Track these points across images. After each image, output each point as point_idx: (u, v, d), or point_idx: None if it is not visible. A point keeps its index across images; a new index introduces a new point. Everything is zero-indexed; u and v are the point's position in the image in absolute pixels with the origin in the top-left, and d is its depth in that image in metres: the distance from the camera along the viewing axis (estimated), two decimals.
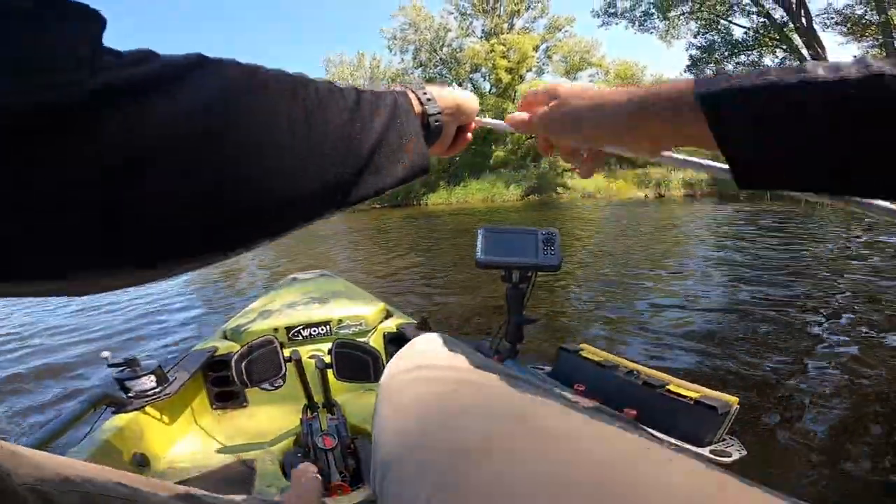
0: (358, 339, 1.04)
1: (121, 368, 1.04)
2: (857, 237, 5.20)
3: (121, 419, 0.97)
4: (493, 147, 24.90)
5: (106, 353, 1.05)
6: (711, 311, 2.85)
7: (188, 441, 1.14)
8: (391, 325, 1.50)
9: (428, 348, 0.44)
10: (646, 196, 15.18)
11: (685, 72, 17.78)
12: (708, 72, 17.08)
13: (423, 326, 1.40)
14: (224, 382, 1.33)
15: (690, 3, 16.20)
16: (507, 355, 1.00)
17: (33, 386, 2.83)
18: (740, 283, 3.47)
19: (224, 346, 1.37)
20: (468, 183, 21.97)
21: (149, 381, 1.05)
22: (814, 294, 3.06)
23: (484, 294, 3.30)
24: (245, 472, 0.96)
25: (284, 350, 1.03)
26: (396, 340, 1.43)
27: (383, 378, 0.43)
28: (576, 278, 3.95)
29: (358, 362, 1.00)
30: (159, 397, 1.05)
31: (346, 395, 1.27)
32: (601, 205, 13.53)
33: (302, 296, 1.70)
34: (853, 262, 4.04)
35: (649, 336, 2.49)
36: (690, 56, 17.24)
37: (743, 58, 16.32)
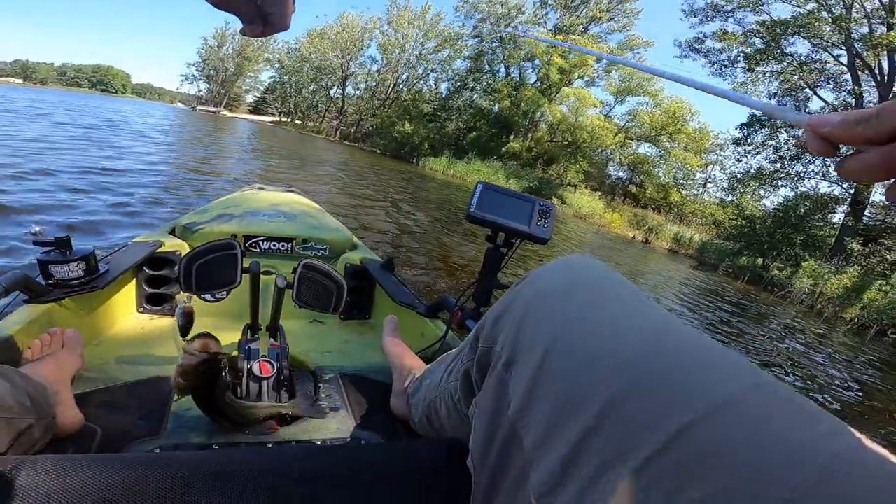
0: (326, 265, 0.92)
1: (48, 249, 0.90)
2: (803, 341, 5.30)
3: (30, 310, 0.84)
4: (511, 137, 24.43)
5: (36, 228, 0.89)
6: None
7: (103, 345, 1.00)
8: (356, 256, 1.41)
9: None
10: (633, 237, 15.41)
11: (736, 129, 16.25)
12: (759, 138, 15.39)
13: (389, 266, 1.35)
14: (159, 283, 1.18)
15: (784, 64, 14.63)
16: (469, 315, 0.99)
17: None
18: None
19: (170, 244, 1.22)
20: (472, 161, 21.67)
21: (76, 269, 0.92)
22: None
23: (454, 255, 3.25)
24: (161, 392, 0.83)
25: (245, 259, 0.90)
26: (358, 275, 1.35)
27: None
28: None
29: (323, 289, 0.90)
30: (84, 290, 0.92)
31: (291, 321, 1.16)
32: (589, 230, 13.63)
33: (268, 206, 1.54)
34: (785, 350, 4.17)
35: None
36: (751, 115, 15.26)
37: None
